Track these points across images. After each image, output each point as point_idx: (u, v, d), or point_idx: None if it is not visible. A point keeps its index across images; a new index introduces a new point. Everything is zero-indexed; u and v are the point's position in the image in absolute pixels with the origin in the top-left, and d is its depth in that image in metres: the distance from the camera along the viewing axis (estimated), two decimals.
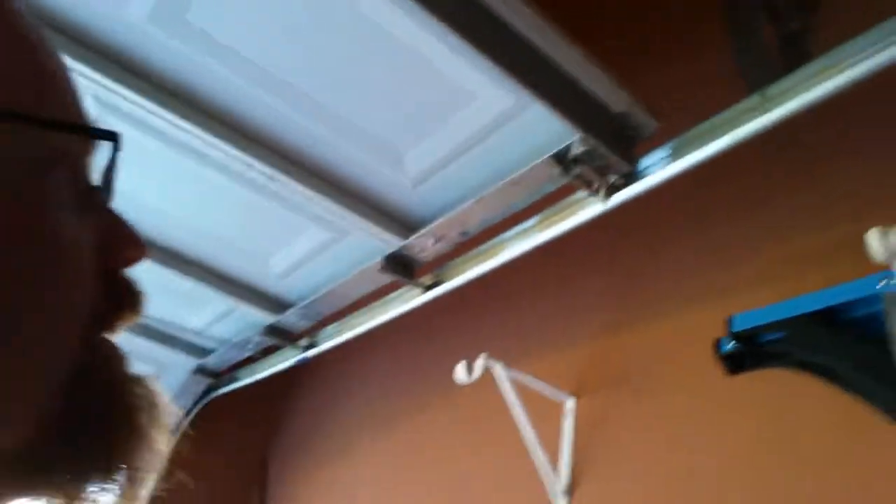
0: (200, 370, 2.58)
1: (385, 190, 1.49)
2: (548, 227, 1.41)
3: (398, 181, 1.45)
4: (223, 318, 2.18)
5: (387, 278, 1.66)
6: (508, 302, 2.15)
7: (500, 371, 1.64)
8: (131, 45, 1.22)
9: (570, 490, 1.64)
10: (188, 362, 2.52)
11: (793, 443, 1.33)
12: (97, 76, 1.23)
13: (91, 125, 0.37)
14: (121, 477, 0.33)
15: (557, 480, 1.64)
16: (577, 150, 1.21)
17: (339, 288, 1.78)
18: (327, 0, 1.10)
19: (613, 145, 1.20)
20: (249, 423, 3.14)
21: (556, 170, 1.25)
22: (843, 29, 1.11)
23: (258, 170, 1.39)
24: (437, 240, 1.53)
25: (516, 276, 1.88)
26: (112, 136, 0.36)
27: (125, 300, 0.37)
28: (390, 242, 1.57)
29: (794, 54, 1.30)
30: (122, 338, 0.37)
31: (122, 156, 0.36)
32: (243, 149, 1.36)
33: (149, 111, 1.32)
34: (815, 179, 1.44)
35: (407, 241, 1.55)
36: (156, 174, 1.60)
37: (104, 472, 0.33)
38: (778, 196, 1.49)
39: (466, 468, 2.01)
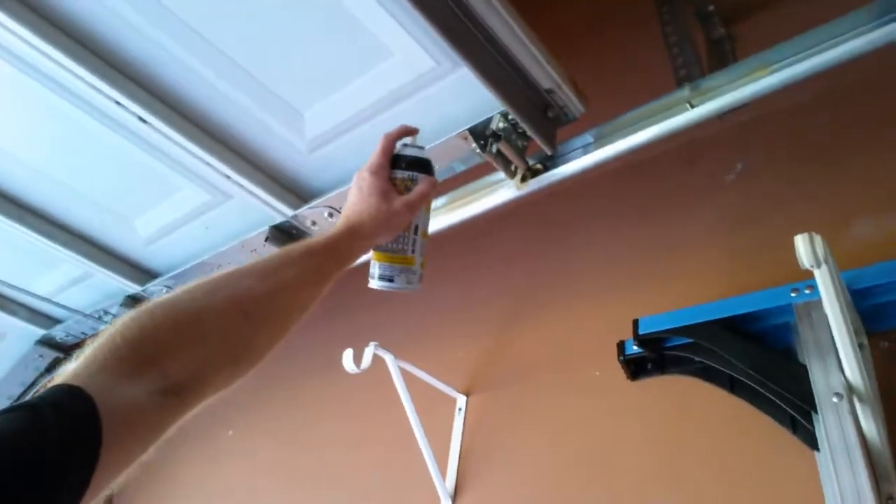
0: (45, 342, 2.27)
1: (279, 151, 1.32)
2: (456, 208, 1.30)
3: (294, 143, 1.29)
4: (76, 285, 1.90)
5: (271, 251, 1.48)
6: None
7: (390, 361, 1.51)
8: None
9: (456, 490, 1.55)
10: (31, 332, 2.21)
11: (682, 443, 1.30)
12: None
13: None
14: None
15: (445, 480, 1.54)
16: (497, 125, 1.11)
17: (214, 259, 1.58)
18: None
19: (537, 125, 1.11)
20: None
21: (473, 145, 1.14)
22: (763, 40, 1.09)
23: (128, 109, 1.19)
24: (332, 213, 1.39)
25: None
26: None
27: None
28: (280, 211, 1.40)
29: (719, 57, 1.27)
30: None
31: None
32: (111, 81, 1.15)
33: None
34: (744, 182, 1.41)
35: (298, 212, 1.39)
36: (3, 105, 1.34)
37: None
38: (705, 197, 1.45)
39: (349, 463, 1.87)
